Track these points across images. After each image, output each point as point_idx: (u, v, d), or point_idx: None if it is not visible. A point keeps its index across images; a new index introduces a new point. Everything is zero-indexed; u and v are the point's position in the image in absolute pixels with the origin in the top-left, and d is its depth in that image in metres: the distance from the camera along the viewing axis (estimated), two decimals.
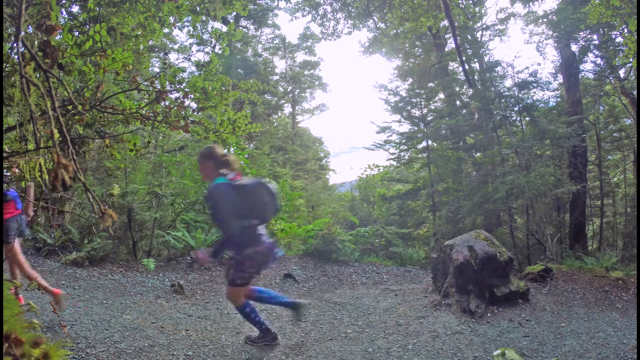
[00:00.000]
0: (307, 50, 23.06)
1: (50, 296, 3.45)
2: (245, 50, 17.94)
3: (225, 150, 3.50)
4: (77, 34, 2.96)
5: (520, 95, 9.19)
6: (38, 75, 2.01)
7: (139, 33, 3.37)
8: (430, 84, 12.67)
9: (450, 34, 9.60)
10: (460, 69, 10.25)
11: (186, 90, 3.04)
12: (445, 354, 3.37)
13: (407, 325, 4.07)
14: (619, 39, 8.95)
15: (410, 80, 14.10)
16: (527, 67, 11.64)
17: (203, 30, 14.38)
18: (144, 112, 3.06)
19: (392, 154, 11.42)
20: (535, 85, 9.21)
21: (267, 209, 3.05)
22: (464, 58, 9.09)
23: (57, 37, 2.55)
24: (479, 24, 12.33)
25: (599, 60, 10.10)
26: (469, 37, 11.21)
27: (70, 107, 2.75)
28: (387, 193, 12.60)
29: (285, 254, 7.20)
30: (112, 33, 3.13)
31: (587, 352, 3.34)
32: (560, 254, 7.36)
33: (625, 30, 6.16)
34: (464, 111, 11.03)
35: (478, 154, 11.14)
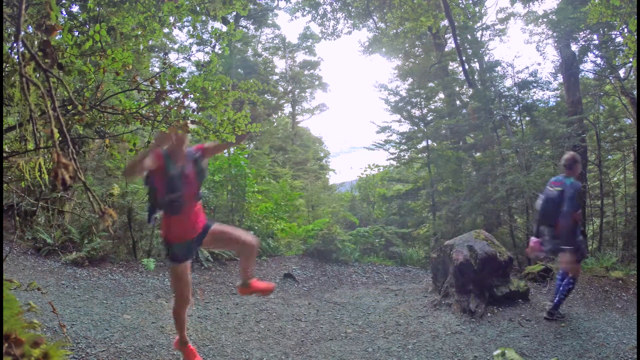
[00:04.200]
0: (307, 50, 23.06)
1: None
2: (245, 50, 17.94)
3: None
4: (77, 34, 2.96)
5: (520, 95, 9.19)
6: (38, 75, 2.01)
7: (139, 33, 3.36)
8: (430, 84, 12.66)
9: (450, 34, 9.59)
10: (460, 69, 10.25)
11: (186, 90, 3.04)
12: (445, 353, 3.37)
13: (407, 325, 4.07)
14: (619, 39, 8.95)
15: (410, 80, 14.09)
16: (527, 67, 11.62)
17: (203, 30, 14.37)
18: (144, 112, 3.06)
19: (392, 153, 11.42)
20: (535, 85, 9.21)
21: None
22: (464, 58, 9.09)
23: (57, 37, 2.55)
24: (479, 24, 12.32)
25: (599, 60, 10.10)
26: (469, 37, 11.20)
27: (70, 107, 2.75)
28: (387, 193, 12.59)
29: (285, 254, 7.21)
30: (112, 33, 3.13)
31: (587, 352, 3.34)
32: None
33: (625, 30, 6.16)
34: (464, 111, 11.02)
35: (478, 154, 11.13)
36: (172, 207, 2.69)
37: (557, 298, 4.06)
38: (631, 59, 7.18)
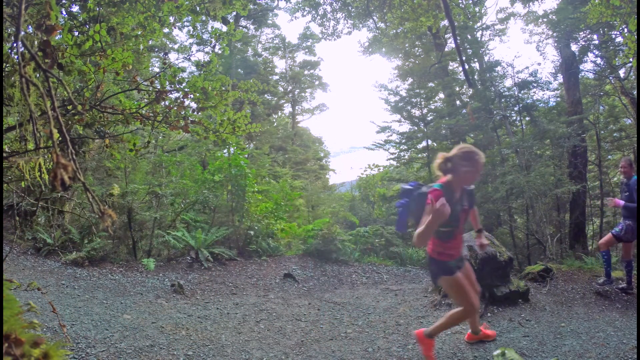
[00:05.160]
0: (307, 50, 23.08)
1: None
2: (245, 50, 17.95)
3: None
4: (77, 34, 2.96)
5: (520, 95, 9.19)
6: (38, 75, 2.01)
7: (139, 33, 3.37)
8: (430, 84, 12.67)
9: (450, 34, 9.59)
10: (460, 69, 10.25)
11: (186, 90, 3.04)
12: (445, 353, 3.37)
13: (407, 325, 4.07)
14: (619, 39, 8.96)
15: (410, 80, 14.10)
16: (527, 67, 11.65)
17: (203, 30, 14.38)
18: (144, 112, 3.06)
19: (392, 153, 11.44)
20: (535, 85, 9.22)
21: None
22: (464, 58, 9.09)
23: (57, 37, 2.55)
24: (479, 24, 12.34)
25: (599, 60, 10.11)
26: (469, 37, 11.22)
27: (70, 107, 2.75)
28: (387, 193, 12.59)
29: (285, 253, 7.21)
30: (112, 33, 3.13)
31: (587, 352, 3.34)
32: (560, 254, 7.36)
33: (625, 30, 6.16)
34: (464, 111, 11.04)
35: None
36: (448, 235, 2.89)
37: (629, 276, 4.84)
38: (631, 59, 7.19)
